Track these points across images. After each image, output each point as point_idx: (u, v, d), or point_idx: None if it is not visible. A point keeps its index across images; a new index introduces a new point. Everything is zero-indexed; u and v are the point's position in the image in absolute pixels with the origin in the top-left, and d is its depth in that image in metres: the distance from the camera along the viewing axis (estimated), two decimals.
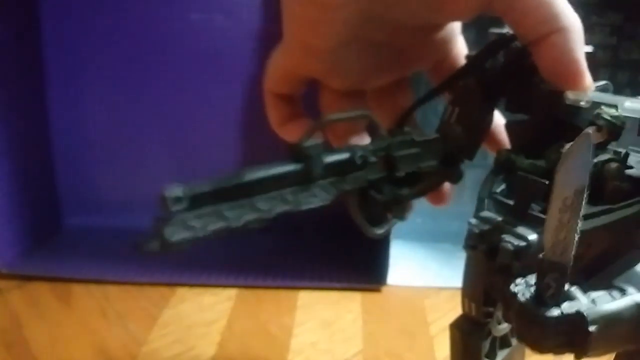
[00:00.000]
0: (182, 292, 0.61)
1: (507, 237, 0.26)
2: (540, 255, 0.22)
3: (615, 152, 0.27)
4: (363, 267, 0.65)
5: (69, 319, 0.55)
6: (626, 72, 0.67)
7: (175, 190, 0.22)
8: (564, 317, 0.22)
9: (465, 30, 0.36)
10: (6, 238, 0.64)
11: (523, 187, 0.27)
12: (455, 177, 0.33)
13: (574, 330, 0.22)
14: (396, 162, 0.29)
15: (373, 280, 0.63)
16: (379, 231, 0.30)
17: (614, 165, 0.26)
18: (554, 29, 0.28)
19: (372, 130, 0.32)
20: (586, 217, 0.25)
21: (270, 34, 0.68)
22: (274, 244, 0.72)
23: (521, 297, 0.23)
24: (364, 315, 0.58)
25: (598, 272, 0.26)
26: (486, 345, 0.33)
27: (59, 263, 0.65)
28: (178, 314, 0.57)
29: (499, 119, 0.35)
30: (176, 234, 0.22)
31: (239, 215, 0.24)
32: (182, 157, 0.72)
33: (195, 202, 0.23)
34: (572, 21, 0.29)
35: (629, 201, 0.26)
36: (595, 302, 0.22)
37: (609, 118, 0.26)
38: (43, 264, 0.64)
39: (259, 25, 0.67)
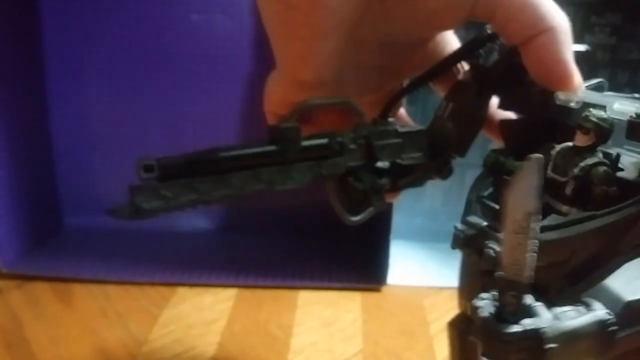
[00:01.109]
0: (182, 292, 0.61)
1: (491, 243, 0.26)
2: (498, 274, 0.22)
3: (606, 154, 0.26)
4: (363, 267, 0.65)
5: (69, 318, 0.55)
6: (626, 72, 0.67)
7: (148, 160, 0.22)
8: (523, 333, 0.22)
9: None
10: (6, 238, 0.64)
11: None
12: (445, 173, 0.33)
13: (533, 347, 0.22)
14: (376, 150, 0.29)
15: (373, 280, 0.63)
16: (355, 218, 0.30)
17: (601, 169, 0.26)
18: (539, 31, 0.28)
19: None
20: (569, 223, 0.25)
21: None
22: (274, 244, 0.72)
23: (484, 313, 0.23)
24: (363, 315, 0.58)
25: (583, 279, 0.26)
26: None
27: (59, 263, 0.65)
28: (178, 314, 0.57)
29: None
30: (147, 202, 0.23)
31: (211, 189, 0.24)
32: None
33: (168, 173, 0.23)
34: (558, 22, 0.28)
35: (613, 207, 0.25)
36: (558, 318, 0.23)
37: (596, 120, 0.26)
38: (43, 264, 0.64)
39: (259, 25, 0.67)
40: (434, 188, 0.72)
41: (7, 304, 0.58)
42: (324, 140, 0.27)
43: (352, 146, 0.28)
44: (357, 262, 0.66)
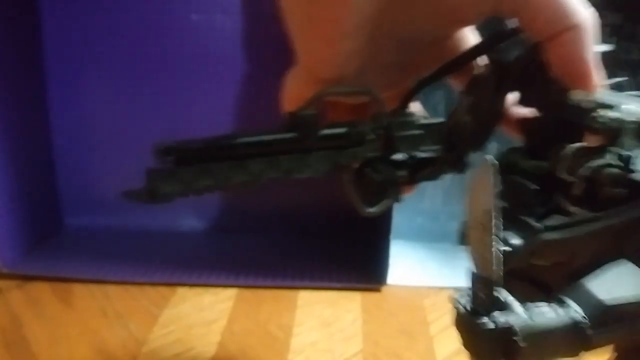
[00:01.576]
0: (182, 292, 0.61)
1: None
2: (472, 270, 0.23)
3: (620, 156, 0.26)
4: (363, 267, 0.65)
5: (69, 318, 0.55)
6: (626, 72, 0.67)
7: (166, 144, 0.22)
8: (496, 329, 0.22)
9: None
10: (6, 238, 0.64)
11: (514, 191, 0.27)
12: (461, 167, 0.32)
13: (506, 343, 0.22)
14: (395, 141, 0.29)
15: (373, 280, 0.63)
16: (371, 210, 0.30)
17: (609, 170, 0.25)
18: (564, 27, 0.28)
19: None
20: (572, 224, 0.25)
21: (269, 34, 0.68)
22: (274, 244, 0.72)
23: (460, 308, 0.23)
24: (363, 315, 0.58)
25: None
26: None
27: (59, 263, 0.65)
28: (178, 314, 0.57)
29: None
30: (164, 186, 0.22)
31: (228, 175, 0.24)
32: None
33: (186, 157, 0.23)
34: (585, 18, 0.28)
35: (618, 209, 0.25)
36: (531, 315, 0.23)
37: (606, 121, 0.26)
38: (43, 264, 0.64)
39: (259, 25, 0.67)
40: (434, 188, 0.72)
41: (7, 304, 0.58)
42: (343, 130, 0.27)
43: (371, 136, 0.28)
44: (357, 262, 0.66)
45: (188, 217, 0.74)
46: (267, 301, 0.60)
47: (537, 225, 0.26)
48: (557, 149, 0.27)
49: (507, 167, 0.29)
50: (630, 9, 0.64)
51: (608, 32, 0.65)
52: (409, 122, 0.29)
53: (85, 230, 0.73)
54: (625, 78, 0.31)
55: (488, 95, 0.32)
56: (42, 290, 0.60)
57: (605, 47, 0.30)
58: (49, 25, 0.68)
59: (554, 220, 0.26)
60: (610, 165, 0.26)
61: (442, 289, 0.62)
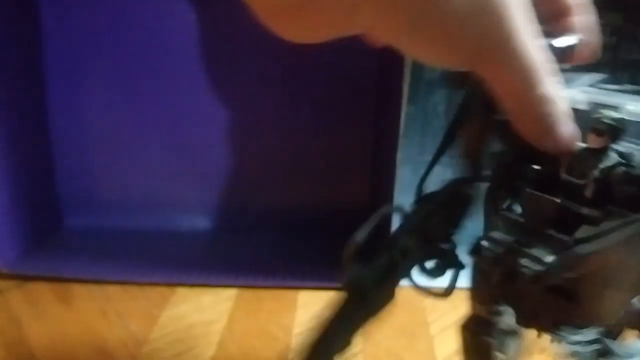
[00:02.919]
0: (182, 292, 0.61)
1: (524, 262, 0.25)
2: None
3: (620, 153, 0.26)
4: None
5: (69, 319, 0.55)
6: (626, 72, 0.67)
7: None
8: None
9: None
10: (6, 238, 0.64)
11: (535, 206, 0.27)
12: None
13: None
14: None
15: None
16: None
17: (620, 170, 0.25)
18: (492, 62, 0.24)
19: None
20: (598, 235, 0.25)
21: (269, 33, 0.68)
22: (274, 244, 0.72)
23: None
24: None
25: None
26: (497, 340, 0.33)
27: (59, 263, 0.65)
28: (178, 314, 0.57)
29: None
30: None
31: None
32: (182, 157, 0.72)
33: None
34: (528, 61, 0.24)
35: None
36: None
37: (610, 122, 0.25)
38: (43, 264, 0.64)
39: (260, 25, 0.67)
40: (434, 188, 0.71)
41: (7, 304, 0.58)
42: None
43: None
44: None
45: (188, 217, 0.74)
46: (267, 301, 0.60)
47: (568, 239, 0.26)
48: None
49: (506, 177, 0.29)
50: (631, 9, 0.64)
51: (608, 32, 0.65)
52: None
53: (85, 230, 0.73)
54: (605, 75, 0.30)
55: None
56: (41, 290, 0.60)
57: (571, 41, 0.29)
58: (49, 25, 0.68)
59: (584, 231, 0.25)
60: (619, 165, 0.25)
61: (442, 289, 0.62)
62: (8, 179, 0.63)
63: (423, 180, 0.33)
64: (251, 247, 0.71)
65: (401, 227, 0.33)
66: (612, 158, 0.26)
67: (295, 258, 0.68)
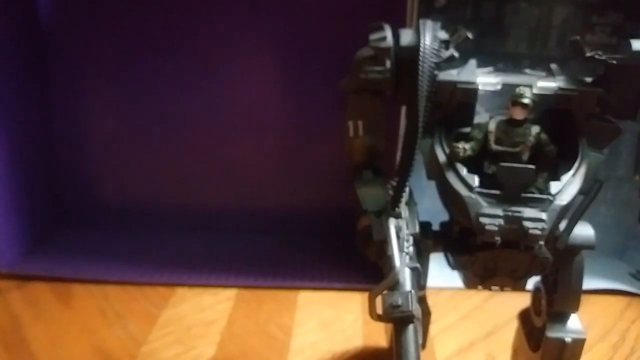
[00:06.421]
0: (182, 292, 0.61)
1: (526, 224, 0.29)
2: None
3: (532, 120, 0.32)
4: (363, 267, 0.65)
5: (69, 319, 0.55)
6: None
7: None
8: None
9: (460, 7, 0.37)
10: (6, 238, 0.64)
11: (511, 175, 0.30)
12: None
13: None
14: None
15: (373, 280, 0.62)
16: None
17: (544, 135, 0.32)
18: None
19: None
20: (565, 186, 0.31)
21: (270, 34, 0.68)
22: (274, 244, 0.72)
23: None
24: (364, 315, 0.58)
25: None
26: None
27: (59, 263, 0.65)
28: (178, 314, 0.57)
29: None
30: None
31: None
32: (182, 158, 0.72)
33: None
34: None
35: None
36: None
37: (533, 97, 0.31)
38: (43, 264, 0.64)
39: (260, 25, 0.67)
40: (434, 188, 0.71)
41: (7, 304, 0.58)
42: None
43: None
44: (357, 262, 0.66)
45: (188, 217, 0.74)
46: (267, 301, 0.60)
47: (550, 196, 0.30)
48: (481, 127, 0.33)
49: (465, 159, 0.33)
50: (630, 9, 0.64)
51: (608, 32, 0.65)
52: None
53: (85, 230, 0.73)
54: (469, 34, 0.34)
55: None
56: (41, 290, 0.60)
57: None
58: (49, 25, 0.68)
59: (555, 187, 0.30)
60: (542, 131, 0.32)
61: (442, 289, 0.62)
62: (8, 179, 0.63)
63: (398, 197, 0.38)
64: (251, 247, 0.71)
65: None
66: (534, 126, 0.32)
67: (295, 258, 0.68)
